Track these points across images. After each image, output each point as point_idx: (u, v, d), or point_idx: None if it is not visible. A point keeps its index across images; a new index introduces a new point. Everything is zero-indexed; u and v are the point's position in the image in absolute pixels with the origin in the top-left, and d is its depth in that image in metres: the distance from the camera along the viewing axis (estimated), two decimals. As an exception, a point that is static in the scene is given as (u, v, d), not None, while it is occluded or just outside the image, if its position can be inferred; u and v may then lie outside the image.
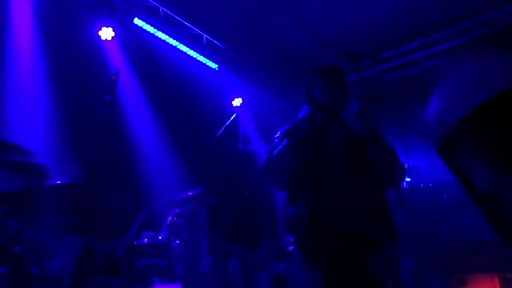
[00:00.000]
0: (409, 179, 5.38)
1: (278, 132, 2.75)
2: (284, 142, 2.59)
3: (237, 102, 7.04)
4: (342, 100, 2.70)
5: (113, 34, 5.30)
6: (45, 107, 4.20)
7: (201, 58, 6.51)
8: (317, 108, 2.71)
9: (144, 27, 5.70)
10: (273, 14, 6.21)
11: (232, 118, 5.01)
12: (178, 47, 6.17)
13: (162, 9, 5.82)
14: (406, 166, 5.63)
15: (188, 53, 6.32)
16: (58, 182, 3.23)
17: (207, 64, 6.63)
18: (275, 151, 2.60)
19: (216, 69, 6.75)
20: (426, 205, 4.79)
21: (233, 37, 6.49)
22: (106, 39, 5.29)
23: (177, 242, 3.74)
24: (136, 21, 5.61)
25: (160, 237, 3.69)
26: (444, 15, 6.46)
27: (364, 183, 2.56)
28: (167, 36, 5.98)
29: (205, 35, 6.38)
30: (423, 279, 4.42)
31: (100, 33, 5.24)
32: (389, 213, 2.50)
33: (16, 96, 4.07)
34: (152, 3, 5.72)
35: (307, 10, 6.32)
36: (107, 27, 5.25)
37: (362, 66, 7.58)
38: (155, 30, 5.83)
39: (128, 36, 5.62)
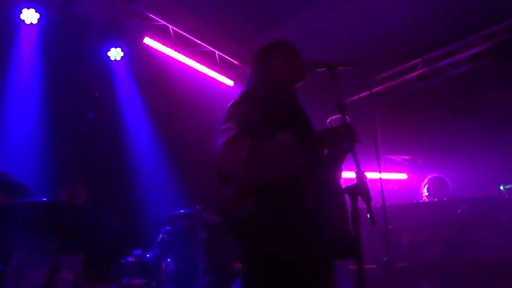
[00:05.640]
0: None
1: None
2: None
3: (254, 118, 6.94)
4: None
5: (122, 54, 5.39)
6: (35, 125, 4.31)
7: (215, 75, 6.50)
8: None
9: (154, 46, 5.78)
10: (285, 26, 6.09)
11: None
12: (190, 64, 6.20)
13: (172, 28, 5.89)
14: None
15: (201, 70, 6.34)
16: (44, 199, 3.23)
17: (221, 80, 6.60)
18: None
19: (232, 85, 6.71)
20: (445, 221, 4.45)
21: (245, 51, 6.44)
22: (115, 59, 5.39)
23: (168, 260, 3.66)
24: (147, 40, 5.70)
25: (148, 255, 3.62)
26: (467, 22, 6.15)
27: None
28: (179, 54, 6.03)
29: (217, 52, 6.38)
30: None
31: (109, 53, 5.35)
32: None
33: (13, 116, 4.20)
34: (162, 22, 5.80)
35: (322, 21, 6.15)
36: (115, 47, 5.35)
37: (384, 77, 7.33)
38: (166, 48, 5.89)
39: (139, 56, 5.70)
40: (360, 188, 2.27)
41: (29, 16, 4.85)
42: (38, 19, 4.90)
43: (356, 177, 2.29)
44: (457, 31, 6.34)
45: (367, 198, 2.24)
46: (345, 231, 2.32)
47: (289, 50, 2.65)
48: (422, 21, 6.23)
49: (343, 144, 2.44)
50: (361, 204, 2.25)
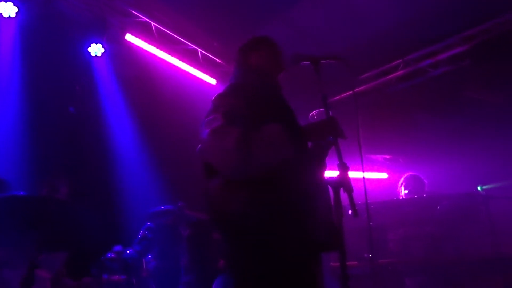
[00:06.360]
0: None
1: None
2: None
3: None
4: None
5: (102, 50, 5.32)
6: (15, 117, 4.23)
7: (197, 73, 6.45)
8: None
9: (136, 43, 5.71)
10: (269, 26, 6.06)
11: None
12: (172, 62, 6.14)
13: (154, 24, 5.83)
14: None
15: (183, 68, 6.29)
16: (22, 193, 3.16)
17: (204, 79, 6.56)
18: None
19: (214, 83, 6.68)
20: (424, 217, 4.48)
21: (229, 50, 6.41)
22: (96, 55, 5.32)
23: (149, 257, 3.61)
24: (128, 37, 5.62)
25: (128, 252, 3.57)
26: (447, 23, 6.23)
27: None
28: (161, 52, 5.97)
29: (200, 50, 6.34)
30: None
31: (89, 49, 5.28)
32: None
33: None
34: (144, 19, 5.74)
35: (305, 22, 6.15)
36: (96, 43, 5.28)
37: (365, 77, 7.38)
38: (148, 45, 5.82)
39: (120, 52, 5.63)
40: (342, 179, 2.26)
41: (7, 9, 4.76)
42: (16, 13, 4.81)
43: (339, 169, 2.29)
44: (437, 32, 6.42)
45: (349, 189, 2.23)
46: (331, 223, 2.30)
47: (269, 43, 2.67)
48: (403, 22, 6.28)
49: (326, 138, 2.44)
50: (343, 199, 2.24)
